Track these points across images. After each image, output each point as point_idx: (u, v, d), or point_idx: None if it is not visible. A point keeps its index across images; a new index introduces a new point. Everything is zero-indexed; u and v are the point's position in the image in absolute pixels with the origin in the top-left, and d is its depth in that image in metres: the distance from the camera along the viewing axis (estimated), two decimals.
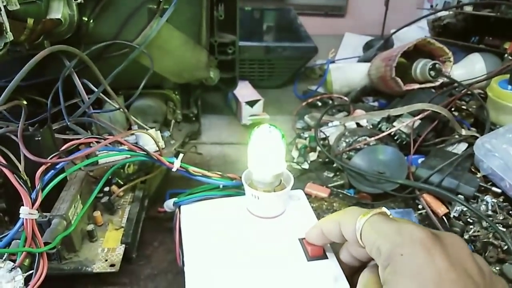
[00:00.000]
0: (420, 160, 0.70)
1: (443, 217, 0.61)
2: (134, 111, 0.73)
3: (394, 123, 0.75)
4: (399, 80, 0.83)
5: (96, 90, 0.59)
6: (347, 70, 1.03)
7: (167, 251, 0.55)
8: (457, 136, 0.74)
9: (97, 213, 0.52)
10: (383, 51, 1.11)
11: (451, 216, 0.60)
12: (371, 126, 0.83)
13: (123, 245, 0.50)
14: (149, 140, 0.54)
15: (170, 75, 0.72)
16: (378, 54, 1.04)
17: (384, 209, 0.35)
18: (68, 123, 0.55)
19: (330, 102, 1.01)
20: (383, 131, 0.77)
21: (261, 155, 0.47)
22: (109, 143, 0.45)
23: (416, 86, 0.84)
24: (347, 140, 0.78)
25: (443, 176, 0.63)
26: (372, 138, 0.72)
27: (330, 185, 0.69)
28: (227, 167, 0.77)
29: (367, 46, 1.27)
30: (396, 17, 1.61)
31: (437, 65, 0.83)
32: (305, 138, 0.81)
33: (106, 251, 0.49)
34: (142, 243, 0.55)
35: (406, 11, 1.71)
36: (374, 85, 0.98)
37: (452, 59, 0.85)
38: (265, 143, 0.47)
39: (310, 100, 0.99)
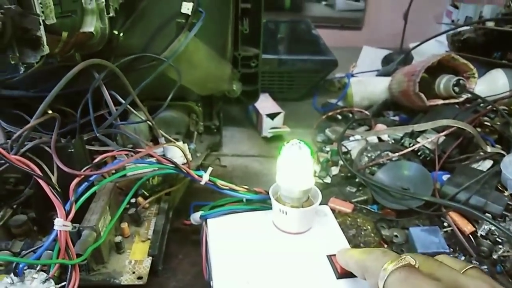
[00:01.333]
0: (444, 177, 0.69)
1: (470, 235, 0.60)
2: (157, 122, 0.74)
3: (418, 139, 0.75)
4: (422, 95, 0.82)
5: (123, 101, 0.60)
6: (368, 84, 1.02)
7: (192, 264, 0.55)
8: (482, 153, 0.73)
9: (124, 225, 0.53)
10: (403, 65, 1.11)
11: (478, 234, 0.59)
12: (393, 141, 0.82)
13: (150, 258, 0.50)
14: (177, 152, 0.55)
15: (195, 87, 0.73)
16: (398, 68, 1.04)
17: (408, 259, 0.34)
18: (98, 135, 0.56)
19: (350, 115, 1.00)
20: (406, 146, 0.76)
21: (291, 171, 0.47)
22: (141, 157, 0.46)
23: (440, 101, 0.83)
24: (369, 155, 0.77)
25: (470, 194, 0.62)
26: (396, 154, 0.71)
27: (353, 200, 0.69)
28: (249, 180, 0.77)
29: (386, 60, 1.27)
30: (414, 31, 1.61)
31: (461, 81, 0.82)
32: (327, 152, 0.81)
33: (134, 263, 0.49)
34: (167, 256, 0.56)
35: (424, 24, 1.70)
36: (395, 99, 0.97)
37: (476, 75, 0.84)
38: (295, 159, 0.47)
39: (330, 113, 0.99)
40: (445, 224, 0.63)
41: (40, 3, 0.45)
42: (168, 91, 0.67)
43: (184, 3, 0.62)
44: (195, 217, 0.53)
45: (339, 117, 1.01)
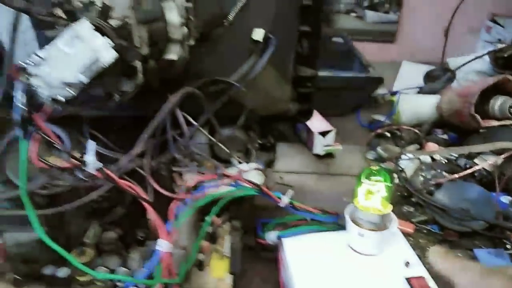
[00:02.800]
0: (503, 199, 0.70)
1: None
2: (219, 141, 0.77)
3: (476, 160, 0.76)
4: (478, 117, 0.83)
5: (195, 123, 0.63)
6: (416, 102, 1.03)
7: (264, 281, 0.57)
8: None
9: (205, 243, 0.55)
10: (449, 82, 1.12)
11: None
12: (446, 161, 0.83)
13: (231, 275, 0.52)
14: (255, 174, 0.57)
15: (257, 108, 0.76)
16: (447, 86, 1.04)
17: None
18: (176, 156, 0.59)
19: (398, 133, 1.01)
20: (460, 167, 0.77)
21: (371, 196, 0.49)
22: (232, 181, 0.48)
23: (496, 123, 0.84)
24: (423, 174, 0.78)
25: None
26: (456, 175, 0.72)
27: (413, 220, 0.70)
28: (305, 197, 0.78)
29: (429, 77, 1.26)
30: (451, 44, 1.61)
31: None
32: None
33: (216, 280, 0.52)
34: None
35: (461, 38, 1.70)
36: (445, 118, 0.98)
37: None
38: (376, 185, 0.49)
39: (379, 131, 1.00)
40: (508, 246, 0.64)
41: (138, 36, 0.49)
42: (230, 111, 0.70)
43: (255, 30, 0.64)
44: (271, 236, 0.56)
45: (388, 134, 1.01)
